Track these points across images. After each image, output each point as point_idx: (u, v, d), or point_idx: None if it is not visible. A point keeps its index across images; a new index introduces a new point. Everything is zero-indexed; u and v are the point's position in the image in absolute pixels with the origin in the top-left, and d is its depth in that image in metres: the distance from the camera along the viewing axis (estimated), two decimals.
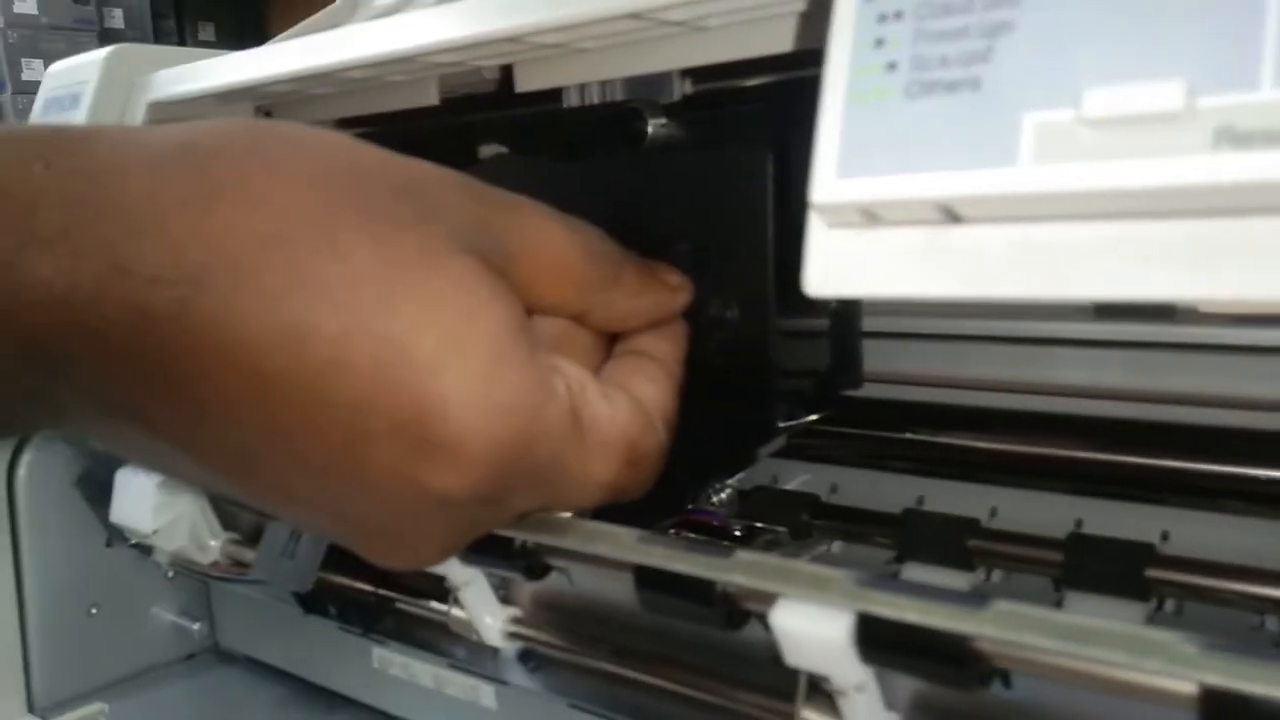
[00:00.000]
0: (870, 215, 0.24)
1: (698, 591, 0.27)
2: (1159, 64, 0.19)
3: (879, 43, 0.23)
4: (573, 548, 0.30)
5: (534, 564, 0.31)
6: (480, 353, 0.25)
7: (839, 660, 0.25)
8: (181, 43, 3.25)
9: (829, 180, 0.24)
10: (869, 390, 0.43)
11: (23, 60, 2.77)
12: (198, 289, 0.23)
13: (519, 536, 0.31)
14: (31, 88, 2.76)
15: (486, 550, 0.32)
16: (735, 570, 0.26)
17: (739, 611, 0.27)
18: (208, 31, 3.30)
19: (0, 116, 2.74)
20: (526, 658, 0.36)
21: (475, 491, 0.25)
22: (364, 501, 0.25)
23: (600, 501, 0.29)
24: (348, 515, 0.26)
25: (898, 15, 0.23)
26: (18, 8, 2.78)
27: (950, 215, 0.23)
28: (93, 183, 0.24)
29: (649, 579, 0.28)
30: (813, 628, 0.25)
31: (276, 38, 0.60)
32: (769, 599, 0.26)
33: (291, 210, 0.25)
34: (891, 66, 0.23)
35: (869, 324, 0.43)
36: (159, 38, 3.18)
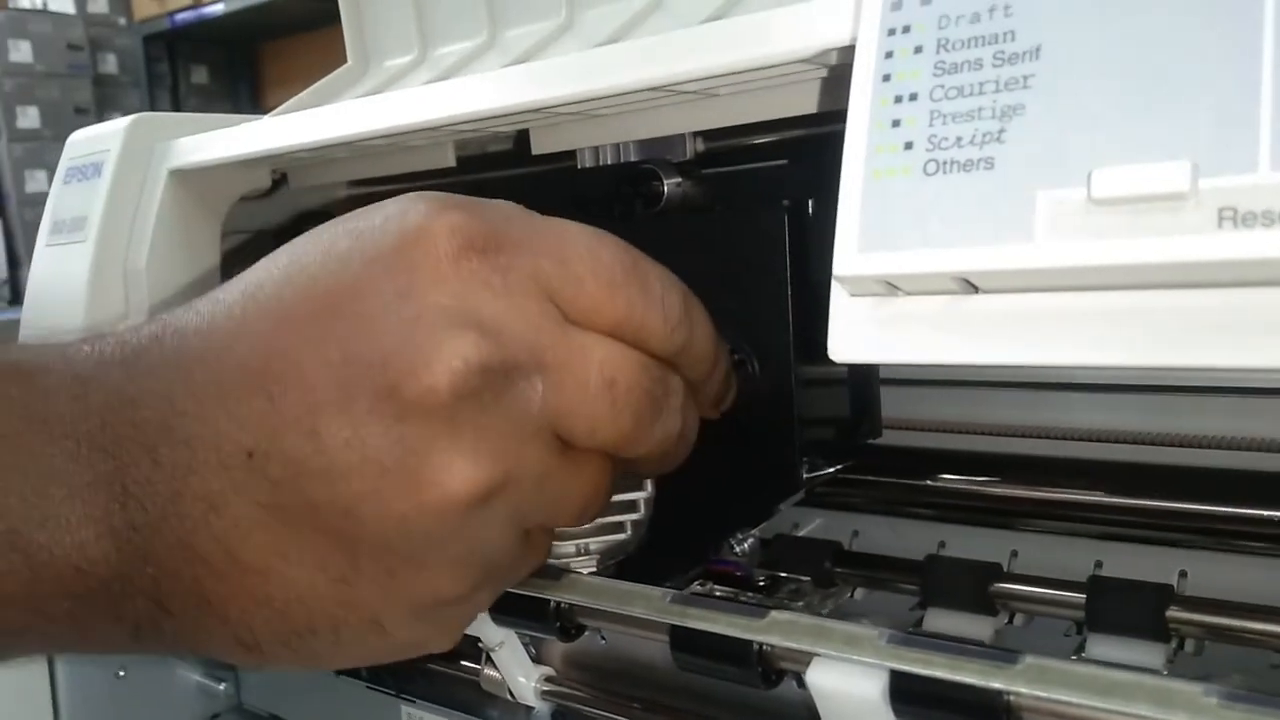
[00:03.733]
0: (891, 286, 0.25)
1: (734, 651, 0.27)
2: (1164, 145, 0.21)
3: (896, 123, 0.25)
4: (607, 609, 0.30)
5: (567, 625, 0.32)
6: None
7: (873, 716, 0.25)
8: (174, 86, 3.28)
9: (850, 253, 0.25)
10: (888, 437, 0.44)
11: (18, 108, 2.81)
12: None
13: (553, 598, 0.32)
14: (26, 135, 2.80)
15: (520, 612, 0.33)
16: (771, 630, 0.26)
17: (775, 670, 0.27)
18: (200, 75, 3.34)
19: None
20: (560, 717, 0.37)
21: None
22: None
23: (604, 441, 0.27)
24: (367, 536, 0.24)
25: (913, 97, 0.24)
26: (13, 56, 2.82)
27: (968, 286, 0.24)
28: None
29: (684, 639, 0.29)
30: (848, 685, 0.25)
31: (290, 101, 0.62)
32: (804, 658, 0.26)
33: None
34: (909, 145, 0.24)
35: (886, 370, 0.44)
36: (152, 82, 3.22)
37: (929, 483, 0.45)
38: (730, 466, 0.39)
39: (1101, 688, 0.22)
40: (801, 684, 0.27)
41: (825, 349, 0.30)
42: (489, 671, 0.37)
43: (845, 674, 0.25)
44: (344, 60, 0.62)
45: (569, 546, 0.43)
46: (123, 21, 3.17)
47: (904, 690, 0.25)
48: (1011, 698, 0.24)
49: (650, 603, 0.29)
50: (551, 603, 0.32)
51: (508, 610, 0.33)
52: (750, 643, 0.27)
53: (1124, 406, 0.42)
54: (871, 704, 0.25)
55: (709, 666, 0.28)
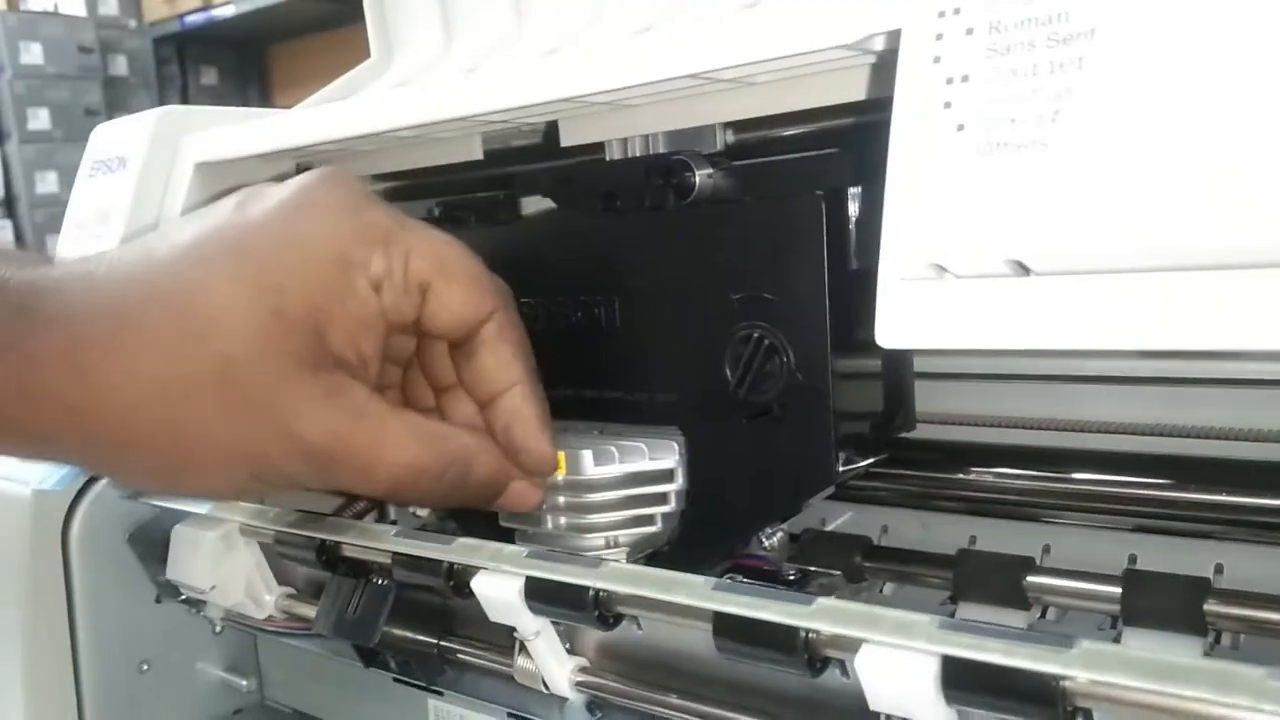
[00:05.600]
0: (940, 269, 0.25)
1: (779, 638, 0.27)
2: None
3: (947, 104, 0.24)
4: (650, 595, 0.30)
5: (606, 613, 0.32)
6: None
7: (924, 702, 0.25)
8: (184, 88, 3.29)
9: (899, 236, 0.25)
10: (918, 430, 0.44)
11: (29, 110, 2.82)
12: None
13: (592, 585, 0.32)
14: (38, 137, 2.81)
15: (558, 600, 0.33)
16: (819, 617, 0.26)
17: (820, 658, 0.27)
18: (210, 76, 3.35)
19: (6, 167, 2.78)
20: (594, 708, 0.37)
21: None
22: None
23: None
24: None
25: (965, 79, 0.24)
26: (23, 58, 2.83)
27: (1020, 268, 0.24)
28: None
29: (728, 626, 0.28)
30: (898, 671, 0.25)
31: (316, 95, 0.62)
32: (851, 644, 0.26)
33: None
34: (960, 128, 0.24)
35: (916, 364, 0.44)
36: (162, 84, 3.23)
37: (959, 476, 0.45)
38: (763, 459, 0.39)
39: (1160, 671, 0.22)
40: (845, 672, 0.27)
41: (862, 341, 0.30)
42: (523, 662, 0.36)
43: (895, 660, 0.25)
44: (354, 61, 0.62)
45: (598, 539, 0.43)
46: (133, 23, 3.18)
47: (956, 676, 0.24)
48: (1066, 683, 0.24)
49: (693, 590, 0.29)
50: (590, 590, 0.31)
51: (545, 599, 0.33)
52: (797, 629, 0.27)
53: (1157, 399, 0.42)
54: (922, 690, 0.25)
55: (754, 653, 0.28)
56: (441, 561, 0.35)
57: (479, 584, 0.34)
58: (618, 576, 0.30)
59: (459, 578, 0.35)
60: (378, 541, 0.38)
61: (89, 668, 0.53)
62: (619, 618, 0.32)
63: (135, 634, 0.55)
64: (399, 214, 0.35)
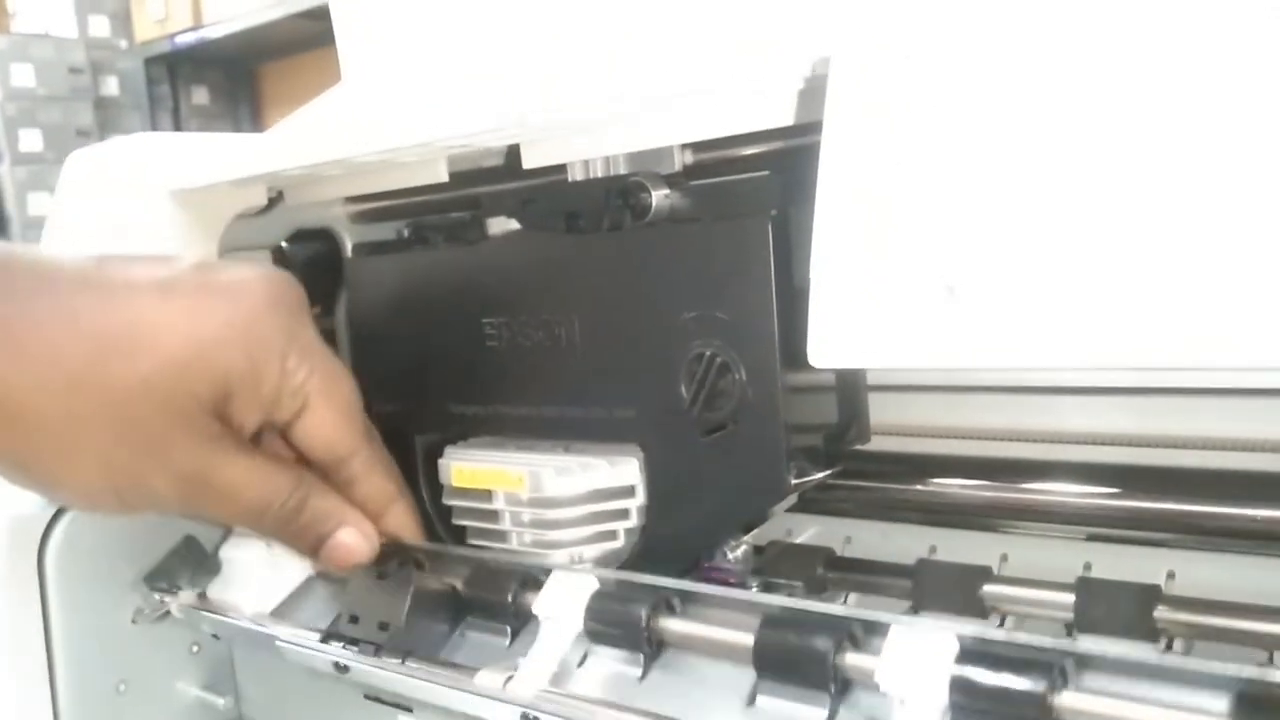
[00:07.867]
0: (870, 290, 0.26)
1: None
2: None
3: (874, 129, 0.25)
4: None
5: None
6: None
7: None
8: (175, 108, 3.30)
9: (830, 257, 0.26)
10: (878, 443, 0.45)
11: (20, 131, 2.83)
12: None
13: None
14: (30, 158, 2.82)
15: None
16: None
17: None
18: (201, 96, 3.36)
19: None
20: None
21: None
22: None
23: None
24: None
25: (889, 105, 0.25)
26: (15, 80, 2.84)
27: (947, 290, 0.25)
28: None
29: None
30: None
31: (286, 120, 0.62)
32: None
33: None
34: (886, 152, 0.25)
35: (873, 376, 0.44)
36: (153, 104, 3.23)
37: (920, 487, 0.45)
38: (719, 473, 0.39)
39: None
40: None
41: (808, 361, 0.30)
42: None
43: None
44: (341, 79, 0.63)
45: (563, 554, 0.44)
46: (124, 44, 3.19)
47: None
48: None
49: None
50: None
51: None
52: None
53: (1110, 409, 0.43)
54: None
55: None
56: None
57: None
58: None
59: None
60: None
61: (66, 689, 0.53)
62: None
63: (112, 655, 0.55)
64: (321, 338, 0.42)
